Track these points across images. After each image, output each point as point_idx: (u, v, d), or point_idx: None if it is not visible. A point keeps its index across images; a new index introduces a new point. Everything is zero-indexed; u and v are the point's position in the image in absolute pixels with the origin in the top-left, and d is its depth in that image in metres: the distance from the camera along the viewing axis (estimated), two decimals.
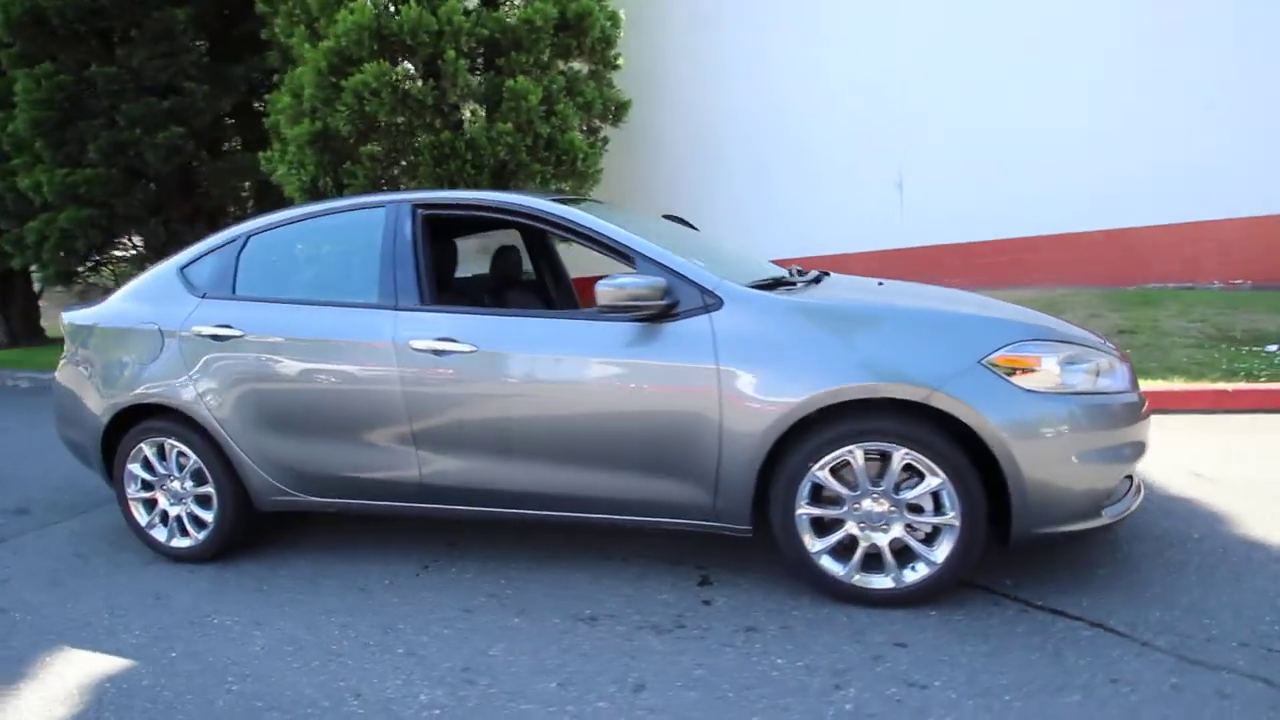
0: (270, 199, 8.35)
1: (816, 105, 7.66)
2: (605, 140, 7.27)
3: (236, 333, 2.49)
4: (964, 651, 1.79)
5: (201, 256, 2.72)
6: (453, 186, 6.22)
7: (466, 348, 2.23)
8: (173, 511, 2.70)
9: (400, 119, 5.98)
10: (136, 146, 6.94)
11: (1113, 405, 1.97)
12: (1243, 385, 3.91)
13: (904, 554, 2.01)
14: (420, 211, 2.45)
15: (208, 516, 2.64)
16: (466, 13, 6.05)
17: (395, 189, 6.51)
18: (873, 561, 2.03)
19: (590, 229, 2.24)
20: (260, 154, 7.22)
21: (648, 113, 7.66)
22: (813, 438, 1.98)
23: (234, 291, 2.61)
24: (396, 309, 2.35)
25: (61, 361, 2.93)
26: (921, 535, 1.99)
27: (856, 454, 1.96)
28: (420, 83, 5.83)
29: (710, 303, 2.07)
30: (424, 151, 6.04)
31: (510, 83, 6.17)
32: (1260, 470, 2.86)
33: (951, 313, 2.07)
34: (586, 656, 1.90)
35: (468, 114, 6.49)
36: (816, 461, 1.98)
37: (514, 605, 2.21)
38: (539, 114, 6.25)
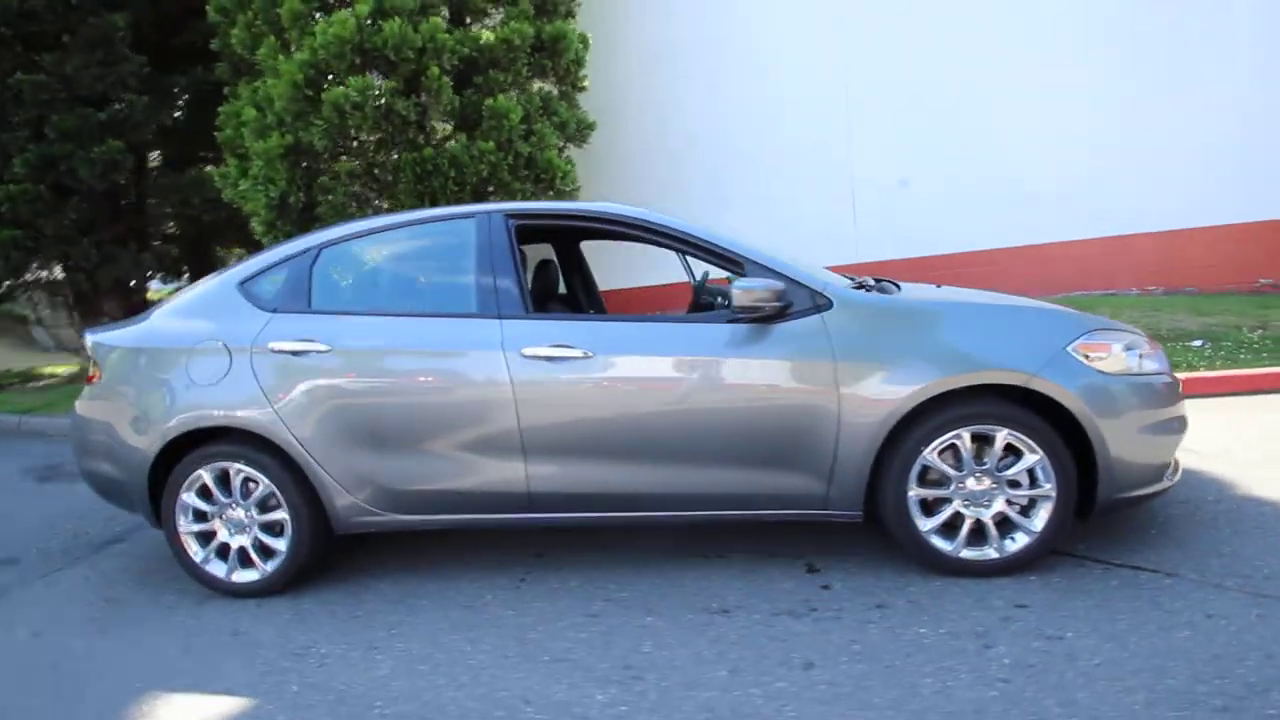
0: (219, 217, 7.84)
1: (769, 121, 8.04)
2: (569, 160, 7.39)
3: (321, 347, 2.40)
4: (1077, 606, 2.00)
5: (264, 271, 2.59)
6: (434, 204, 6.12)
7: (580, 353, 2.27)
8: (235, 543, 2.52)
9: (378, 135, 5.84)
10: (69, 161, 6.36)
11: (1161, 385, 2.28)
12: (1184, 375, 4.51)
13: (1002, 526, 2.22)
14: (513, 222, 2.47)
15: (279, 545, 2.49)
16: (448, 31, 6.04)
17: (369, 205, 6.33)
18: (975, 536, 2.23)
19: (698, 237, 2.35)
20: (215, 170, 6.82)
21: (608, 131, 7.78)
22: (923, 425, 2.17)
23: (310, 305, 2.51)
24: (501, 318, 2.35)
25: (87, 391, 2.69)
26: (1018, 509, 2.21)
27: (964, 436, 2.16)
28: (403, 99, 5.73)
29: (821, 303, 2.23)
30: (405, 168, 5.92)
31: (490, 101, 6.18)
32: (1235, 444, 3.32)
33: (1032, 307, 2.33)
34: (741, 644, 1.97)
35: (440, 130, 6.42)
36: (927, 446, 2.17)
37: (637, 606, 2.24)
38: (519, 133, 6.29)
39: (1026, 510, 2.20)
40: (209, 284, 2.69)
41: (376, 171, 6.06)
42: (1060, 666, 1.74)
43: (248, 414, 2.42)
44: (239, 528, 2.52)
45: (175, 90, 7.25)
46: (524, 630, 2.15)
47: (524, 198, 6.54)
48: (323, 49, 5.55)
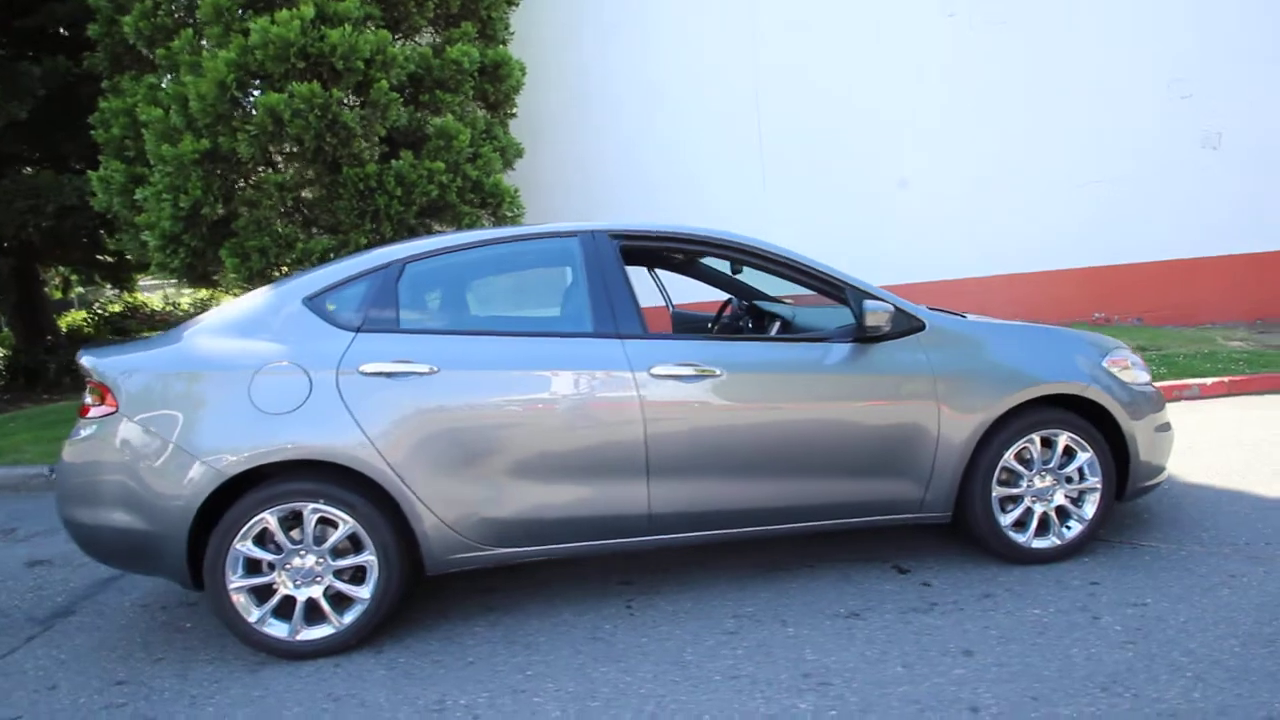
0: (64, 227, 6.61)
1: (703, 131, 8.45)
2: (514, 186, 7.30)
3: (423, 368, 2.19)
4: (1135, 579, 2.38)
5: (336, 286, 2.32)
6: (375, 222, 5.73)
7: (713, 371, 2.30)
8: (302, 595, 2.19)
9: (315, 147, 5.35)
10: None
11: (1155, 393, 2.81)
12: None
13: (1058, 516, 2.58)
14: (617, 241, 2.46)
15: (360, 593, 2.20)
16: (397, 43, 5.75)
17: (297, 221, 5.75)
18: (1041, 528, 2.56)
19: (799, 262, 2.51)
20: (93, 174, 5.80)
21: (537, 155, 7.75)
22: (1004, 431, 2.47)
23: (399, 324, 2.28)
24: (621, 337, 2.32)
25: (88, 426, 2.19)
26: (1071, 501, 2.58)
27: (1035, 440, 2.50)
28: (349, 110, 5.32)
29: (916, 325, 2.48)
30: (347, 184, 5.48)
31: (436, 120, 5.98)
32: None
33: (1070, 330, 2.76)
34: (893, 642, 2.09)
35: (375, 149, 6.04)
36: (1008, 450, 2.48)
37: (769, 619, 2.28)
38: (466, 155, 6.12)
39: (1077, 501, 2.58)
40: (261, 299, 2.34)
41: (309, 190, 5.52)
42: (1160, 627, 2.07)
43: (335, 444, 2.13)
44: (307, 578, 2.19)
45: (26, 80, 6.08)
46: (674, 653, 2.10)
47: (471, 222, 6.34)
48: (259, 50, 5.02)
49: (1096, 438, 2.54)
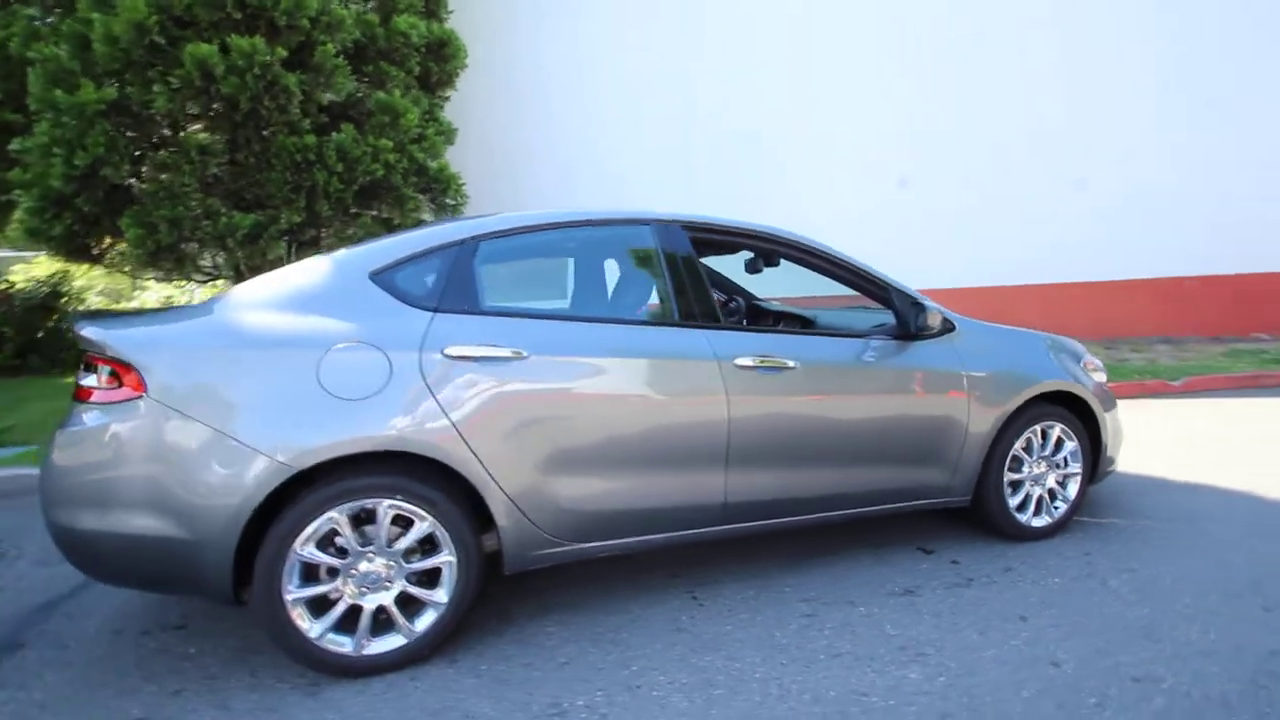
0: None
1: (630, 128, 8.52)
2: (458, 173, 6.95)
3: (506, 353, 2.06)
4: (1116, 548, 2.77)
5: (405, 261, 2.11)
6: (310, 199, 5.22)
7: (790, 364, 2.37)
8: (370, 604, 1.96)
9: (245, 109, 4.77)
10: None
11: (1110, 391, 3.29)
12: None
13: (1048, 498, 2.93)
14: (688, 233, 2.46)
15: (435, 596, 2.02)
16: (346, 5, 5.27)
17: (219, 193, 5.07)
18: (1036, 508, 2.90)
19: (849, 262, 2.65)
20: None
21: (463, 140, 7.43)
22: (1015, 423, 2.78)
23: (479, 305, 2.12)
24: (703, 327, 2.32)
25: (97, 413, 1.82)
26: (1058, 484, 2.95)
27: (1037, 430, 2.84)
28: (291, 73, 4.80)
29: (948, 327, 2.72)
30: (281, 154, 4.94)
31: (380, 95, 5.58)
32: None
33: (1054, 335, 3.14)
34: (956, 613, 2.28)
35: (309, 119, 5.52)
36: (1018, 439, 2.79)
37: (836, 600, 2.39)
38: (413, 135, 5.77)
39: (1062, 484, 2.96)
40: (316, 271, 2.08)
41: (242, 154, 4.91)
42: (1156, 587, 2.44)
43: (420, 434, 1.94)
44: (375, 583, 1.97)
45: None
46: (765, 638, 2.14)
47: (414, 208, 5.97)
48: None
49: (1079, 429, 2.94)
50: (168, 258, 4.86)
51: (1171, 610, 2.26)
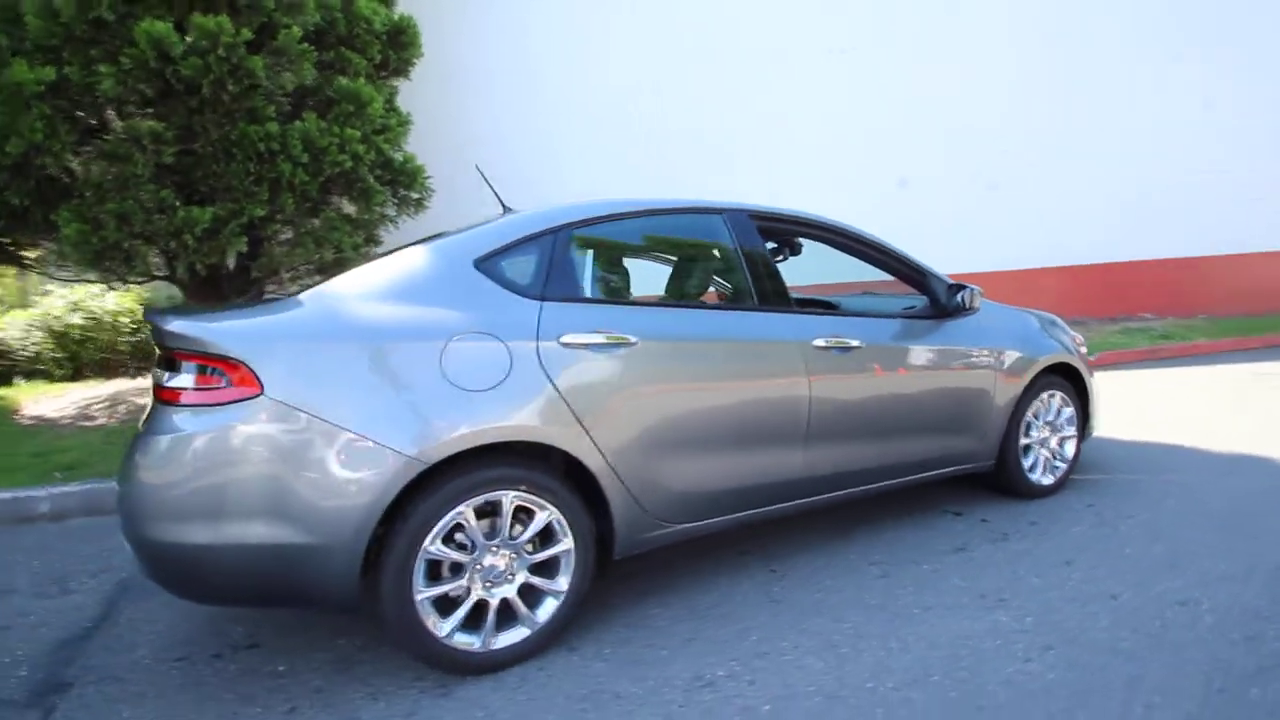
0: None
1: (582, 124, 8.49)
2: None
3: (620, 340, 2.07)
4: (1112, 500, 3.12)
5: (506, 249, 2.07)
6: (274, 192, 4.89)
7: (857, 343, 2.52)
8: (494, 598, 1.93)
9: (207, 94, 4.39)
10: None
11: None
12: None
13: (1051, 461, 3.27)
14: (754, 221, 2.55)
15: (555, 586, 2.01)
16: None
17: (176, 183, 4.62)
18: (1043, 469, 3.22)
19: (894, 251, 2.85)
20: None
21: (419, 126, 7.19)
22: (1030, 392, 3.09)
23: (580, 292, 2.11)
24: (780, 311, 2.43)
25: (204, 417, 1.67)
26: (1060, 446, 3.29)
27: (1043, 398, 3.16)
28: (255, 57, 4.45)
29: (969, 308, 2.97)
30: (244, 143, 4.59)
31: (343, 81, 5.29)
32: None
33: (1041, 312, 3.48)
34: (1010, 563, 2.51)
35: (267, 104, 5.15)
36: (1030, 407, 3.10)
37: (902, 561, 2.57)
38: (376, 126, 5.52)
39: (1061, 445, 3.31)
40: (418, 260, 2.00)
41: (199, 143, 4.50)
42: (1160, 527, 2.78)
43: (544, 424, 1.93)
44: (498, 576, 1.94)
45: None
46: (858, 600, 2.28)
47: (380, 201, 5.71)
48: None
49: (1073, 395, 3.30)
50: (114, 256, 4.38)
51: (1180, 546, 2.61)
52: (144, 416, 1.86)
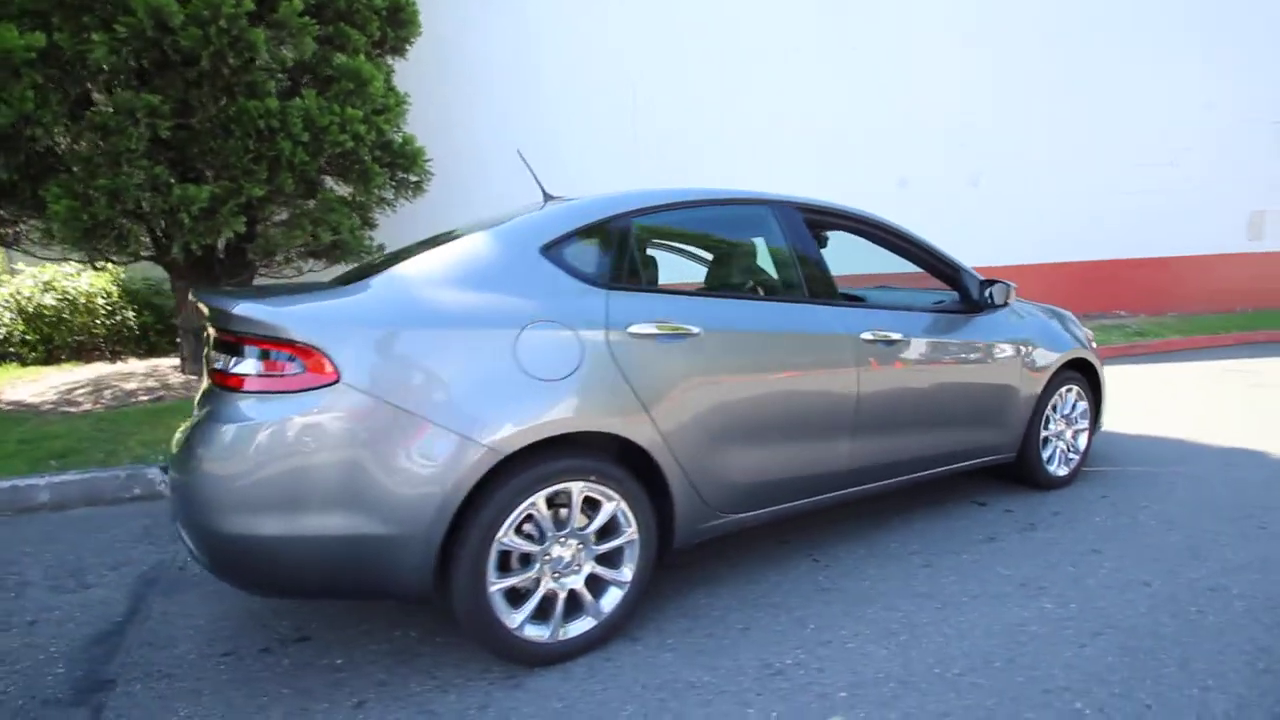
0: None
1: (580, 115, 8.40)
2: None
3: (685, 330, 2.06)
4: (1123, 492, 3.23)
5: (570, 236, 2.03)
6: (272, 171, 4.72)
7: (899, 337, 2.55)
8: (563, 589, 1.91)
9: (206, 66, 4.20)
10: None
11: None
12: None
13: (1067, 452, 3.38)
14: (800, 214, 2.55)
15: (619, 576, 2.00)
16: None
17: (170, 160, 4.42)
18: (1060, 460, 3.33)
19: (931, 248, 2.88)
20: None
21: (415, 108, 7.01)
22: (1051, 385, 3.17)
23: (643, 281, 2.09)
24: (829, 304, 2.44)
25: (277, 404, 1.61)
26: (1072, 433, 3.40)
27: (1061, 392, 3.25)
28: (255, 29, 4.26)
29: (1001, 304, 3.03)
30: (243, 119, 4.41)
31: (341, 58, 5.13)
32: None
33: (1056, 308, 3.58)
34: (1043, 553, 2.59)
35: (268, 79, 4.96)
36: (1049, 400, 3.19)
37: (941, 552, 2.63)
38: (377, 106, 5.37)
39: (1074, 438, 3.42)
40: (489, 246, 1.95)
41: (195, 118, 4.31)
42: (1174, 517, 2.90)
43: (615, 415, 1.91)
44: (564, 567, 1.92)
45: None
46: (906, 589, 2.33)
47: (380, 184, 5.56)
48: None
49: (1087, 390, 3.41)
50: (104, 235, 4.17)
51: (1197, 536, 2.72)
52: (200, 403, 1.79)
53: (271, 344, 1.65)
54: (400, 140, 5.75)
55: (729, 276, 2.53)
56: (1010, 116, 9.19)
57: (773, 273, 2.49)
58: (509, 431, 1.75)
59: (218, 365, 1.73)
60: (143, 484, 3.44)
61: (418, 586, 1.74)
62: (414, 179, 6.03)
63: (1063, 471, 3.32)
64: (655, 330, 2.02)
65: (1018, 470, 3.24)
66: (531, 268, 1.95)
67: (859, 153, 8.77)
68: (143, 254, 4.91)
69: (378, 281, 1.85)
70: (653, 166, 8.32)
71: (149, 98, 4.06)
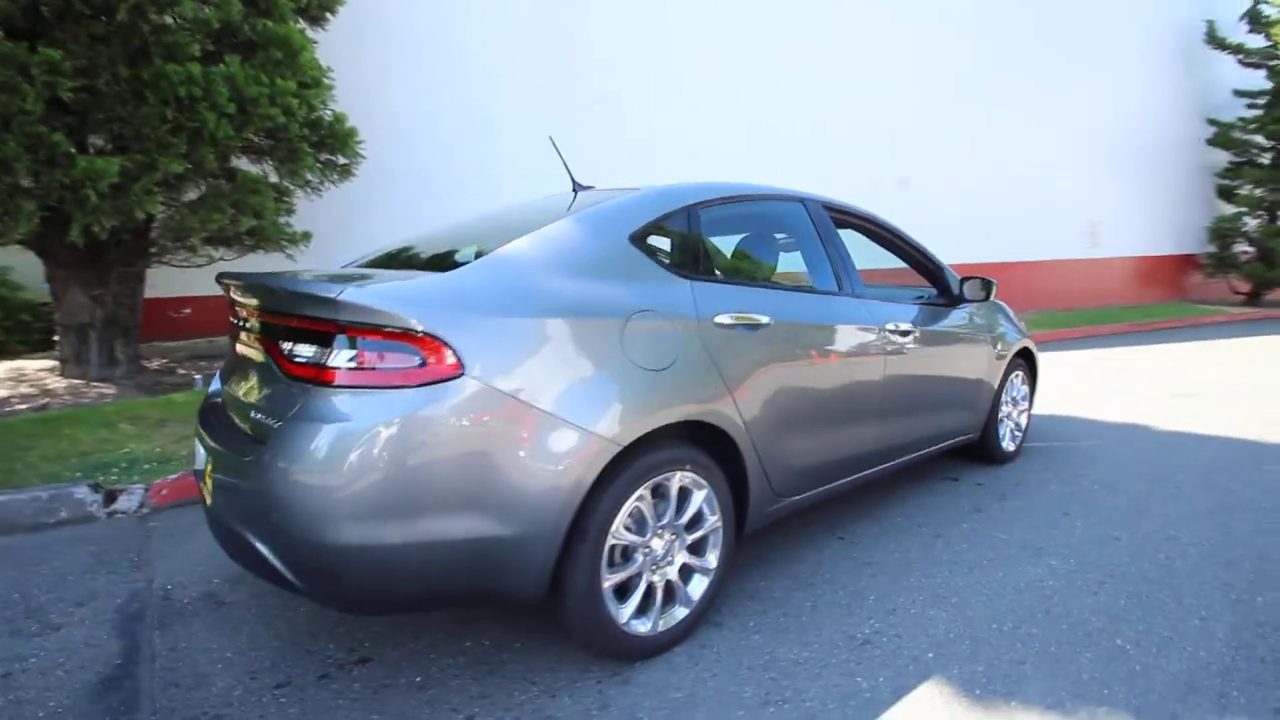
0: None
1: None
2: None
3: (760, 320, 2.11)
4: (1061, 460, 3.73)
5: (653, 225, 2.01)
6: (192, 144, 4.20)
7: (909, 327, 2.77)
8: (661, 580, 1.90)
9: (125, 19, 3.63)
10: None
11: None
12: None
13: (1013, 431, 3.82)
14: (828, 212, 2.70)
15: (707, 562, 2.02)
16: None
17: (70, 126, 3.75)
18: (1009, 437, 3.76)
19: (920, 248, 3.14)
20: None
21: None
22: (1009, 370, 3.58)
23: (713, 272, 2.11)
24: (858, 297, 2.60)
25: (390, 399, 1.46)
26: (1018, 413, 3.84)
27: (1012, 377, 3.68)
28: None
29: (982, 298, 3.36)
30: (160, 84, 3.87)
31: (270, 24, 4.67)
32: None
33: (1000, 303, 4.01)
34: (1025, 517, 2.92)
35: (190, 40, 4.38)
36: (1007, 382, 3.60)
37: (941, 523, 2.88)
38: (307, 79, 4.95)
39: (1019, 417, 3.88)
40: (580, 233, 1.87)
41: (103, 80, 3.70)
42: (1112, 483, 3.36)
43: (711, 404, 1.93)
44: (661, 558, 1.91)
45: None
46: (930, 558, 2.54)
47: (309, 164, 5.11)
48: None
49: (1028, 374, 3.88)
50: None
51: (1134, 497, 3.20)
52: (275, 402, 1.58)
53: (384, 334, 1.50)
54: (331, 118, 5.29)
55: (763, 267, 2.62)
56: (929, 129, 10.12)
57: (815, 266, 2.61)
58: (626, 423, 1.72)
59: (302, 358, 1.54)
60: (70, 506, 2.92)
61: (533, 589, 1.66)
62: (343, 161, 5.58)
63: (1011, 447, 3.76)
64: (733, 320, 2.06)
65: (980, 448, 3.62)
66: (625, 256, 1.92)
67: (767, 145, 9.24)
68: (17, 237, 4.14)
69: (484, 265, 1.73)
70: (587, 140, 8.24)
71: (49, 51, 3.43)
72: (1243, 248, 11.73)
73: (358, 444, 1.46)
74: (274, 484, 1.48)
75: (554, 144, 2.58)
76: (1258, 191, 11.38)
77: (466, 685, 1.80)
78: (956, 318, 3.20)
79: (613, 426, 1.70)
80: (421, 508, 1.50)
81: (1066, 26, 11.13)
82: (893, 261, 3.25)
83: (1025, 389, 3.86)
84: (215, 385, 2.28)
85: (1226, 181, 11.67)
